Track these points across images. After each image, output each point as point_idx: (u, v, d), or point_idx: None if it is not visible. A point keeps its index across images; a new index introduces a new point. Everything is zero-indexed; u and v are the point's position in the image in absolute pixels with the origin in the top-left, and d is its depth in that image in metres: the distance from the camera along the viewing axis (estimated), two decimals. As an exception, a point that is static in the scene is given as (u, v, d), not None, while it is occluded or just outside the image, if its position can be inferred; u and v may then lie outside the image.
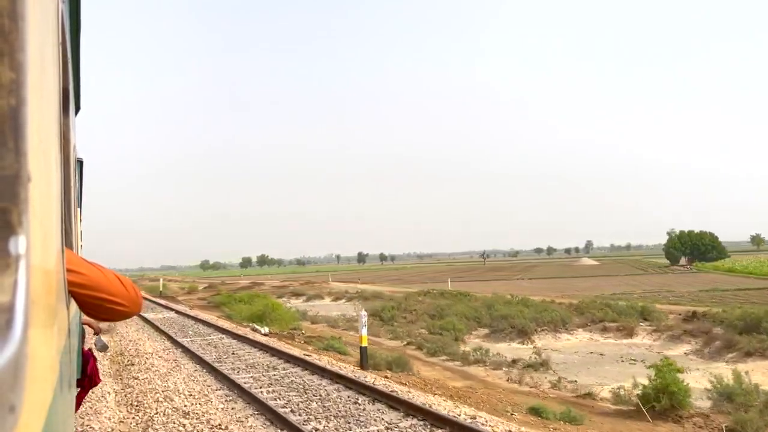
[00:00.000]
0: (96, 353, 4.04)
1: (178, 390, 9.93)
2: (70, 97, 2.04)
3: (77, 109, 2.79)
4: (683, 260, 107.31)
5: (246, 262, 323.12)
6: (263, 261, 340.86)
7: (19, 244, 0.48)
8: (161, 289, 48.97)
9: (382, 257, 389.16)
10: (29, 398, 0.49)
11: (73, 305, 1.37)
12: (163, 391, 9.82)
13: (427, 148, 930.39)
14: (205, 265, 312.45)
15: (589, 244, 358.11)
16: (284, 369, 11.78)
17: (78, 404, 3.78)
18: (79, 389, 3.64)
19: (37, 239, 0.57)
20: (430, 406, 8.29)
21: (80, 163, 4.56)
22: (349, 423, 7.64)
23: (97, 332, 4.53)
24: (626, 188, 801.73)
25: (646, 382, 11.21)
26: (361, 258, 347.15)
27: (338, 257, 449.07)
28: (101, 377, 4.25)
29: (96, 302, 1.30)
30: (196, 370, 11.85)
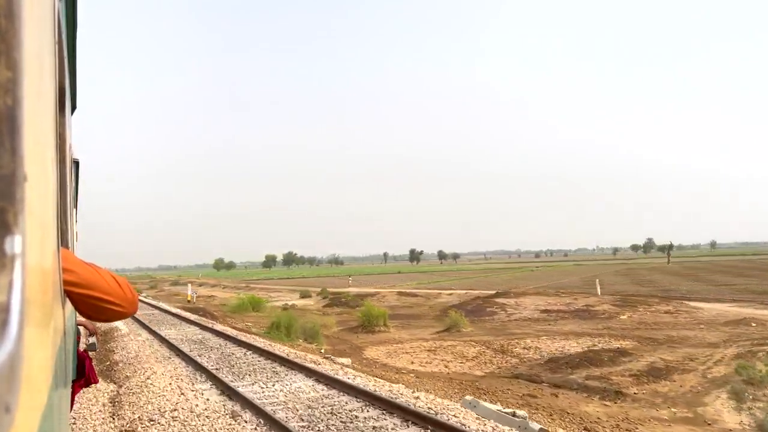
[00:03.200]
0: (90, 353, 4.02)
1: None
2: (66, 97, 2.03)
3: (73, 108, 2.78)
4: None
5: (270, 261, 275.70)
6: (290, 259, 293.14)
7: (15, 243, 0.48)
8: None
9: (442, 255, 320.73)
10: (24, 398, 0.49)
11: (69, 305, 1.36)
12: None
13: (430, 149, 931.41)
14: (219, 265, 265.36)
15: (650, 242, 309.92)
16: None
17: (72, 401, 3.76)
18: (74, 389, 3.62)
19: (33, 239, 0.57)
20: None
21: (76, 163, 4.54)
22: None
23: (92, 333, 4.50)
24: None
25: None
26: (415, 256, 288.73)
27: (386, 255, 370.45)
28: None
29: (91, 302, 1.30)
30: None
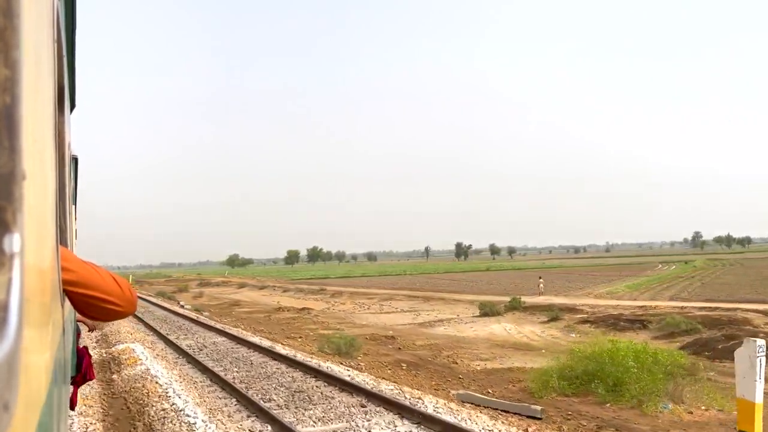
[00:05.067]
0: (90, 350, 4.03)
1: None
2: (65, 95, 2.03)
3: (72, 106, 2.78)
4: None
5: (293, 257, 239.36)
6: (315, 255, 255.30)
7: (13, 242, 0.48)
8: None
9: (494, 250, 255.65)
10: (23, 396, 0.49)
11: (68, 303, 1.37)
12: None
13: (435, 149, 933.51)
14: (233, 261, 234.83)
15: (697, 235, 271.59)
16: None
17: (74, 400, 3.77)
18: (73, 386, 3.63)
19: (31, 237, 0.57)
20: None
21: (75, 160, 4.55)
22: None
23: (91, 329, 4.52)
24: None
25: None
26: (462, 251, 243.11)
27: (428, 249, 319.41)
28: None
29: (90, 301, 1.30)
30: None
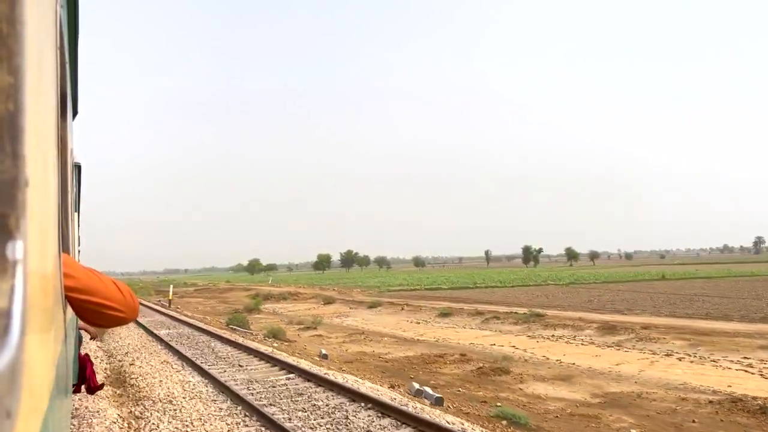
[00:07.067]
0: (92, 357, 4.02)
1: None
2: (67, 102, 2.03)
3: (75, 113, 2.79)
4: None
5: (324, 262, 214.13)
6: (350, 260, 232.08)
7: (16, 248, 0.48)
8: None
9: (572, 254, 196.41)
10: (26, 403, 0.49)
11: (70, 310, 1.36)
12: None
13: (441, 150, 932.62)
14: (254, 267, 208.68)
15: (759, 240, 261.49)
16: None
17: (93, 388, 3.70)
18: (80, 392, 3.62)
19: (34, 244, 0.57)
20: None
21: (78, 167, 4.56)
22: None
23: (93, 337, 4.50)
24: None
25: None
26: (531, 255, 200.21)
27: (488, 254, 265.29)
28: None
29: (92, 307, 1.29)
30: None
